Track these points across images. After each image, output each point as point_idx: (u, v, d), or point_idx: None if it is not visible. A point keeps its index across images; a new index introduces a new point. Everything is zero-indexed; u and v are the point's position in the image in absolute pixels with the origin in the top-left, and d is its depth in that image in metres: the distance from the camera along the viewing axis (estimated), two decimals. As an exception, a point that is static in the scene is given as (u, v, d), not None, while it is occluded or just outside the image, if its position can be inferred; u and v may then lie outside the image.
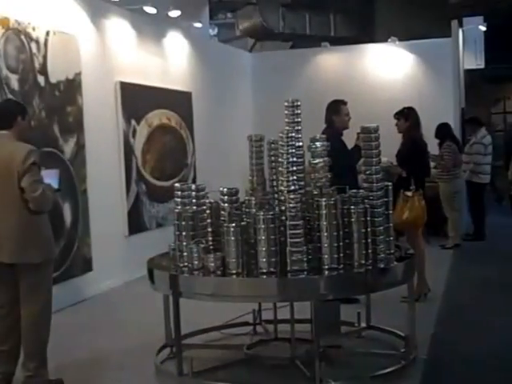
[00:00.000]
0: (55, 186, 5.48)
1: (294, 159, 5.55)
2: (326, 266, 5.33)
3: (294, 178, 5.54)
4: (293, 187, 5.51)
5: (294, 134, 5.61)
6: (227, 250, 5.39)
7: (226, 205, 5.70)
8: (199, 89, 11.93)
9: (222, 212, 5.72)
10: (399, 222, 7.56)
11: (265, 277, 5.29)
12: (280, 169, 5.61)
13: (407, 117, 8.06)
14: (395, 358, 5.83)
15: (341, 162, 7.38)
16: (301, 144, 5.80)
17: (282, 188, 5.55)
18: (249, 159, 6.16)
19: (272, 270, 5.29)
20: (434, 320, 7.11)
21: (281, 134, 5.62)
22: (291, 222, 5.29)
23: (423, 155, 8.18)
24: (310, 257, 5.33)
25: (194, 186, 5.98)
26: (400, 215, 7.60)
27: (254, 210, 5.60)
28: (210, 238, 5.81)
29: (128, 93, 9.66)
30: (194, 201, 5.90)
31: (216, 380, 5.45)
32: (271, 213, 5.36)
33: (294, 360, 5.76)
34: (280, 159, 5.60)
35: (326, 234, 5.35)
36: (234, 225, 5.42)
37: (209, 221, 5.84)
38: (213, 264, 5.42)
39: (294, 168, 5.55)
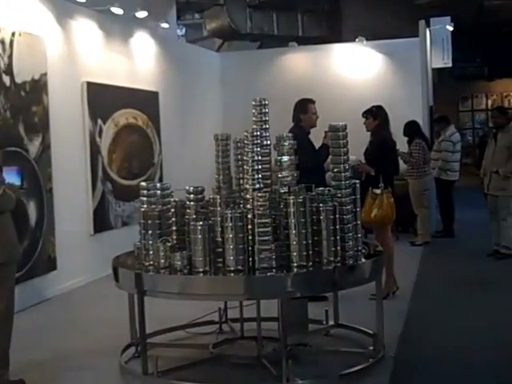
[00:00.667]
0: (17, 183, 5.40)
1: (259, 158, 5.52)
2: (295, 264, 5.30)
3: (259, 176, 5.51)
4: (258, 185, 5.48)
5: (259, 133, 5.58)
6: (194, 248, 5.33)
7: (192, 203, 5.67)
8: (166, 89, 11.86)
9: (188, 210, 5.67)
10: (368, 219, 7.58)
11: (232, 275, 5.23)
12: (245, 167, 5.56)
13: (376, 115, 8.05)
14: (363, 356, 5.80)
15: (308, 160, 7.39)
16: (268, 142, 5.79)
17: (247, 186, 5.51)
18: (215, 158, 6.10)
19: (240, 268, 5.24)
20: (403, 318, 7.08)
21: (246, 133, 5.59)
22: (259, 220, 5.26)
23: (392, 153, 8.18)
24: (278, 255, 5.29)
25: (158, 185, 5.93)
26: (368, 213, 7.59)
27: (218, 209, 5.54)
28: (175, 237, 5.75)
29: (94, 93, 9.60)
30: (159, 200, 5.84)
31: (181, 379, 5.37)
32: (239, 211, 5.31)
33: (260, 359, 5.70)
34: (245, 158, 5.56)
35: (294, 231, 5.33)
36: (201, 223, 5.36)
37: (173, 219, 5.76)
38: (179, 262, 5.36)
39: (259, 166, 5.52)
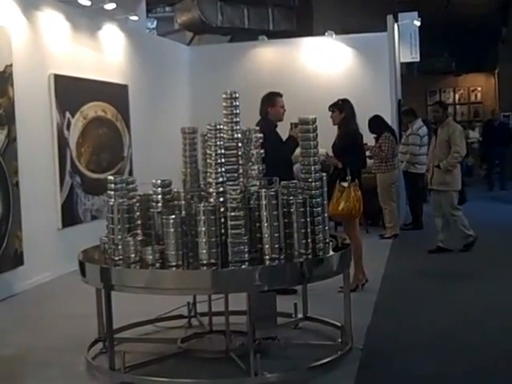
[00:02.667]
0: None
1: (223, 151, 5.43)
2: (267, 257, 5.24)
3: (223, 169, 5.42)
4: (221, 179, 5.40)
5: (222, 126, 5.48)
6: (166, 242, 5.23)
7: (160, 197, 5.58)
8: (136, 81, 11.74)
9: (153, 204, 5.58)
10: (335, 212, 7.56)
11: (204, 268, 5.13)
12: (208, 161, 5.47)
13: (342, 109, 7.99)
14: (332, 348, 5.74)
15: (276, 152, 7.34)
16: (238, 136, 5.71)
17: (211, 180, 5.41)
18: (182, 151, 6.00)
19: (213, 261, 5.15)
20: (371, 310, 7.05)
21: (209, 126, 5.49)
22: (232, 213, 5.18)
23: (359, 146, 8.12)
24: (250, 248, 5.23)
25: (125, 179, 5.82)
26: (336, 206, 7.55)
27: (182, 202, 5.45)
28: (139, 231, 5.63)
29: (62, 85, 9.46)
30: (126, 193, 5.73)
31: (149, 374, 5.27)
32: (211, 204, 5.22)
33: (228, 353, 5.62)
34: (208, 151, 5.47)
35: (266, 224, 5.26)
36: (173, 216, 5.27)
37: (138, 214, 5.65)
38: (151, 256, 5.25)
39: (223, 160, 5.42)
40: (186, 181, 5.86)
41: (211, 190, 5.37)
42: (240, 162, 5.66)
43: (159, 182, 5.65)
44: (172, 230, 5.21)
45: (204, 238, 5.15)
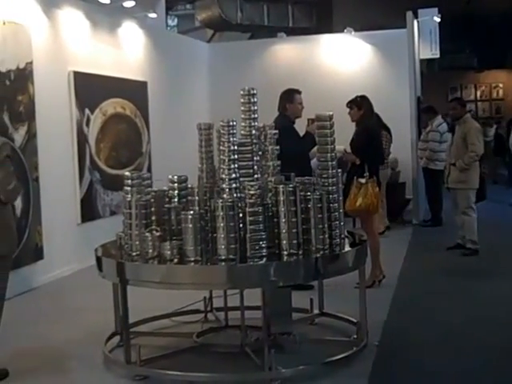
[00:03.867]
0: None
1: (235, 147, 5.44)
2: (285, 252, 5.25)
3: (236, 166, 5.43)
4: (234, 175, 5.40)
5: (235, 123, 5.50)
6: (184, 237, 5.25)
7: (176, 192, 5.63)
8: (155, 78, 11.79)
9: (169, 199, 5.63)
10: (353, 208, 7.57)
11: (222, 264, 5.16)
12: (221, 157, 5.49)
13: (360, 105, 7.97)
14: (347, 344, 5.75)
15: (294, 148, 7.37)
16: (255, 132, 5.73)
17: (224, 176, 5.43)
18: (198, 147, 6.03)
19: (231, 256, 5.16)
20: (388, 306, 7.04)
21: (222, 123, 5.50)
22: (250, 209, 5.19)
23: (377, 143, 8.11)
24: (269, 243, 5.25)
25: (143, 175, 5.88)
26: (353, 202, 7.55)
27: (196, 198, 5.48)
28: (157, 227, 5.66)
29: (82, 82, 9.52)
30: (143, 189, 5.76)
31: (164, 368, 5.31)
32: (230, 200, 5.24)
33: (243, 348, 5.64)
34: (221, 147, 5.49)
35: (284, 220, 5.27)
36: (191, 212, 5.29)
37: (153, 209, 5.68)
38: (169, 252, 5.28)
39: (236, 156, 5.43)
40: (202, 176, 5.87)
41: (224, 185, 5.37)
42: (256, 158, 5.68)
43: (175, 177, 5.70)
44: (190, 225, 5.22)
45: (222, 233, 5.17)
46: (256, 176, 5.56)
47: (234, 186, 5.37)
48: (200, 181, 5.82)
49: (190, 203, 5.50)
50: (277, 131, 5.80)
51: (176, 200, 5.60)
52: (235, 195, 5.31)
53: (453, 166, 9.63)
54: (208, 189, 5.66)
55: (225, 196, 5.32)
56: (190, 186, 5.65)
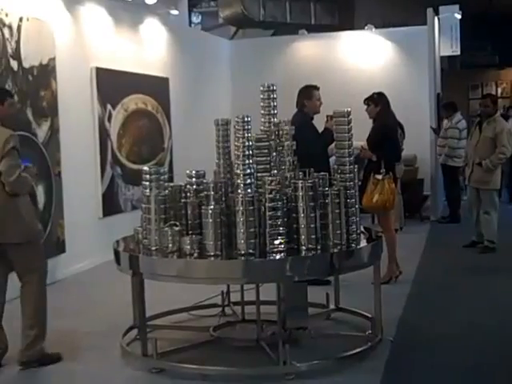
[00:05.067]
0: (31, 165, 5.62)
1: (250, 143, 5.42)
2: (304, 247, 5.24)
3: (250, 161, 5.40)
4: (248, 171, 5.38)
5: (249, 119, 5.47)
6: (204, 232, 5.25)
7: (194, 187, 5.62)
8: (176, 75, 11.79)
9: (187, 194, 5.63)
10: (369, 204, 7.56)
11: (242, 258, 5.15)
12: (236, 152, 5.48)
13: (377, 102, 7.94)
14: (361, 339, 5.72)
15: (312, 145, 7.34)
16: (272, 128, 5.74)
17: (238, 171, 5.41)
18: (215, 143, 6.02)
19: (250, 251, 5.16)
20: (404, 303, 7.02)
21: (237, 118, 5.49)
22: (270, 204, 5.18)
23: (393, 140, 8.07)
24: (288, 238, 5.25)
25: (161, 170, 5.88)
26: (370, 198, 7.53)
27: (212, 193, 5.47)
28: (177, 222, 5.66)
29: (104, 78, 9.55)
30: (162, 184, 5.77)
31: (180, 361, 5.33)
32: (250, 195, 5.23)
33: (259, 342, 5.64)
34: (236, 143, 5.47)
35: (303, 215, 5.27)
36: (211, 206, 5.28)
37: (177, 204, 5.69)
38: (189, 247, 5.27)
39: (250, 152, 5.41)
40: (219, 172, 5.86)
41: (239, 181, 5.36)
42: (273, 153, 5.68)
43: (193, 172, 5.70)
44: (211, 220, 5.22)
45: (242, 228, 5.16)
46: (273, 172, 5.55)
47: (248, 181, 5.35)
48: (216, 176, 5.82)
49: (205, 198, 5.50)
50: (293, 127, 5.77)
51: (192, 195, 5.59)
52: (249, 190, 5.29)
53: (478, 165, 9.35)
54: (223, 184, 5.65)
55: (241, 191, 5.30)
56: (204, 181, 5.64)
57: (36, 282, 5.51)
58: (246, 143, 5.39)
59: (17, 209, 5.34)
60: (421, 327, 6.31)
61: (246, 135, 5.41)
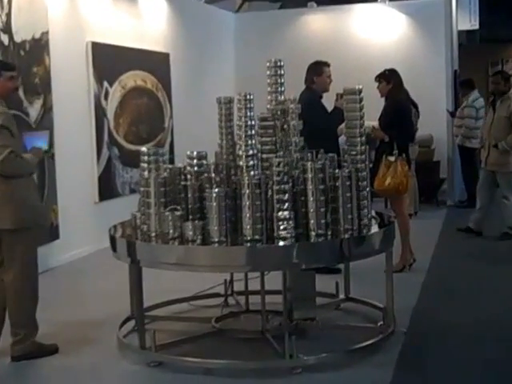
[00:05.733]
0: (45, 147, 5.49)
1: (253, 122, 5.39)
2: (313, 233, 5.22)
3: (253, 142, 5.38)
4: (251, 152, 5.35)
5: (251, 97, 5.45)
6: (209, 217, 5.21)
7: (195, 169, 5.58)
8: (178, 50, 11.74)
9: (188, 176, 5.59)
10: (381, 188, 7.54)
11: (248, 244, 5.13)
12: (238, 132, 5.44)
13: (389, 79, 7.89)
14: (373, 331, 5.71)
15: (321, 124, 7.31)
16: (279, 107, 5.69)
17: (240, 153, 5.38)
18: (218, 122, 5.97)
19: (257, 237, 5.12)
20: (418, 292, 7.00)
21: (238, 96, 5.46)
22: (277, 187, 5.15)
23: (407, 119, 8.01)
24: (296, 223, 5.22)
25: (156, 150, 5.86)
26: (382, 181, 7.50)
27: (213, 175, 5.45)
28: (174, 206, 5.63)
29: (100, 53, 9.51)
30: (160, 166, 5.76)
31: (180, 354, 5.31)
32: (257, 177, 5.20)
33: (264, 333, 5.61)
34: (238, 122, 5.44)
35: (312, 198, 5.25)
36: (216, 190, 5.24)
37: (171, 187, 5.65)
38: (191, 232, 5.23)
39: (253, 132, 5.38)
40: (222, 153, 5.82)
41: (241, 163, 5.33)
42: (279, 134, 5.63)
43: (195, 153, 5.65)
44: (215, 203, 5.18)
45: (248, 212, 5.12)
46: (279, 153, 5.51)
47: (251, 163, 5.32)
48: (217, 157, 5.77)
49: (206, 181, 5.46)
50: (300, 106, 5.72)
51: (193, 177, 5.55)
52: (252, 173, 5.25)
53: (494, 147, 9.23)
54: (225, 166, 5.61)
55: (246, 173, 5.26)
56: (205, 162, 5.60)
57: (15, 272, 5.41)
58: (249, 122, 5.35)
59: (8, 192, 5.28)
60: (436, 318, 6.27)
61: (249, 114, 5.37)
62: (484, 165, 9.56)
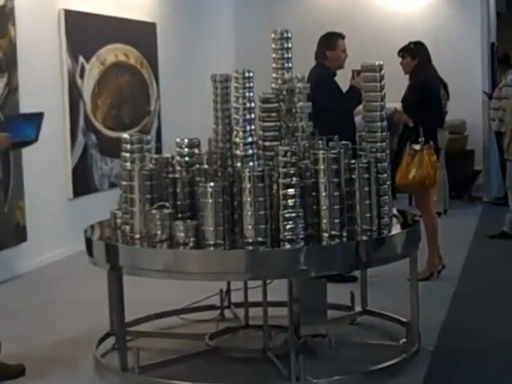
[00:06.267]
0: (31, 135, 5.56)
1: (252, 105, 5.40)
2: (326, 234, 5.24)
3: (252, 127, 5.39)
4: (250, 139, 5.36)
5: (251, 74, 5.45)
6: (204, 215, 5.20)
7: (187, 159, 5.60)
8: (167, 19, 11.78)
9: (178, 168, 5.62)
10: (405, 182, 7.57)
11: (250, 248, 5.13)
12: (235, 116, 5.46)
13: (414, 54, 7.93)
14: (394, 350, 5.74)
15: (335, 107, 7.32)
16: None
17: (238, 140, 5.38)
18: (213, 104, 5.95)
19: (260, 239, 5.12)
20: (448, 304, 7.01)
21: (236, 74, 5.46)
22: (284, 181, 5.16)
23: (435, 100, 8.01)
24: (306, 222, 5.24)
25: (141, 137, 5.87)
26: (406, 173, 7.51)
27: (205, 166, 5.46)
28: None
29: (75, 24, 9.53)
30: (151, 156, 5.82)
31: (167, 376, 5.31)
32: (260, 169, 5.22)
33: (266, 352, 5.64)
34: (235, 104, 5.45)
35: (324, 193, 5.26)
36: (212, 184, 5.24)
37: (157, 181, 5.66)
38: (183, 234, 5.23)
39: (252, 116, 5.40)
40: (217, 140, 5.81)
41: (238, 152, 5.33)
42: (285, 118, 5.64)
43: (186, 141, 5.66)
44: (211, 200, 5.17)
45: (250, 210, 5.12)
46: (284, 141, 5.52)
47: (250, 152, 5.34)
48: (210, 145, 5.76)
49: (197, 173, 5.48)
50: (309, 85, 5.72)
51: (184, 169, 5.57)
52: (251, 164, 5.27)
53: None
54: (220, 155, 5.61)
55: (244, 164, 5.28)
56: (196, 151, 5.62)
57: None
58: (248, 105, 5.36)
59: None
60: (468, 335, 6.30)
61: (248, 95, 5.38)
62: (507, 154, 9.67)
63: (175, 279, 5.37)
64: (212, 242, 5.16)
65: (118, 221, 5.73)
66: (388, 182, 5.70)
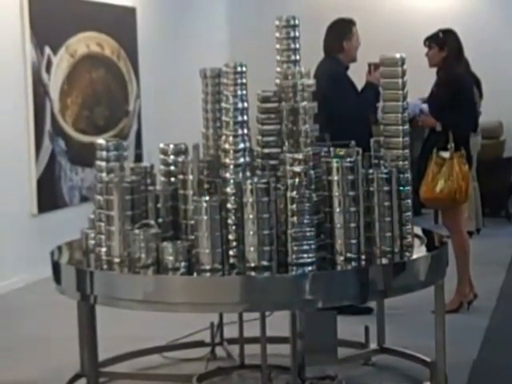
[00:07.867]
0: None
1: (245, 105, 5.40)
2: (341, 257, 5.27)
3: (244, 132, 5.39)
4: (242, 145, 5.36)
5: (244, 68, 5.45)
6: (198, 235, 5.21)
7: (172, 168, 5.66)
8: (148, 3, 11.84)
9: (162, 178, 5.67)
10: (431, 195, 7.56)
11: (253, 274, 5.14)
12: (224, 118, 5.46)
13: (443, 44, 7.90)
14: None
15: (349, 107, 7.34)
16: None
17: (227, 146, 5.38)
18: (202, 104, 5.99)
19: (265, 263, 5.13)
20: (479, 340, 7.01)
21: (226, 68, 5.46)
22: (292, 194, 5.17)
23: (466, 100, 8.00)
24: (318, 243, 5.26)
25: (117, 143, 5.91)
26: (432, 186, 7.50)
27: (190, 177, 5.46)
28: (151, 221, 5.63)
29: (40, 9, 9.59)
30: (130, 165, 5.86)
31: (147, 426, 5.35)
32: (264, 181, 5.20)
33: (265, 399, 5.66)
34: (225, 104, 5.46)
35: (338, 209, 5.29)
36: (207, 199, 5.25)
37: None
38: (172, 257, 5.23)
39: (245, 118, 5.40)
40: (207, 145, 5.83)
41: (227, 160, 5.34)
42: (288, 119, 5.66)
43: (171, 147, 5.70)
44: (206, 217, 5.17)
45: (252, 229, 5.13)
46: (285, 147, 5.54)
47: (241, 160, 5.34)
48: (195, 151, 5.75)
49: (181, 184, 5.50)
50: (314, 81, 5.73)
51: (166, 180, 5.63)
52: (241, 175, 5.29)
53: None
54: (208, 164, 5.62)
55: (231, 175, 5.31)
56: (180, 159, 5.63)
57: None
58: (240, 105, 5.36)
59: None
60: (503, 376, 6.30)
61: (240, 93, 5.38)
62: None
63: (158, 311, 5.40)
64: (208, 267, 5.16)
65: (91, 242, 5.74)
66: (411, 196, 5.72)
